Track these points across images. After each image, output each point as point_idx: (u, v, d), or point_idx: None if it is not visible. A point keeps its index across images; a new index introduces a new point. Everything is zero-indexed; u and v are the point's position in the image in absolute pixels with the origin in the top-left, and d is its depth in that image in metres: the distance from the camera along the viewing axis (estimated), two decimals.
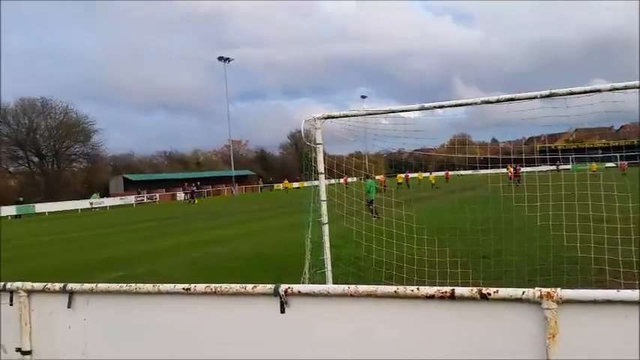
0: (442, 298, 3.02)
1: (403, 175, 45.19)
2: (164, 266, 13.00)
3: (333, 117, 7.67)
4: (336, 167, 8.50)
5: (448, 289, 3.02)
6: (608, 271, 7.21)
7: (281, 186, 74.10)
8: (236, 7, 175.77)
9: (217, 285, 3.57)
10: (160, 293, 3.74)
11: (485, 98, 6.83)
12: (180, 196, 71.06)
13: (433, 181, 46.07)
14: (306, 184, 23.16)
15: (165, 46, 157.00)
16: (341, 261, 8.48)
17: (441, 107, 6.97)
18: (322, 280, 7.24)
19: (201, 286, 3.62)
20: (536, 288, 2.90)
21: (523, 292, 2.89)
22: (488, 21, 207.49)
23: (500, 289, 2.96)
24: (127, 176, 78.51)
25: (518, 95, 6.69)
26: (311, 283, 7.02)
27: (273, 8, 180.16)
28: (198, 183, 79.37)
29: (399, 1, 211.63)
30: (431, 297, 3.03)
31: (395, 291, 3.10)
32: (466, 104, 7.02)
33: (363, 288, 3.19)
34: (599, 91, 6.42)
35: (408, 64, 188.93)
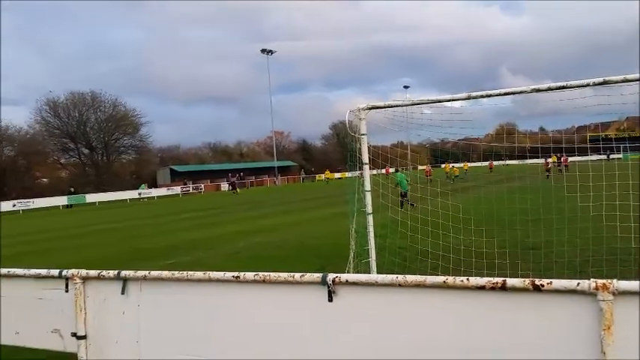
0: (493, 289, 2.97)
1: (451, 165, 44.30)
2: (211, 255, 13.27)
3: (377, 107, 7.61)
4: (380, 157, 8.45)
5: (499, 279, 2.97)
6: None
7: (322, 176, 74.29)
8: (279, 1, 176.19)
9: (266, 273, 3.63)
10: (210, 280, 3.83)
11: (536, 86, 6.62)
12: (225, 186, 72.27)
13: (457, 173, 44.07)
14: (348, 174, 23.12)
15: (210, 39, 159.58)
16: (385, 251, 8.44)
17: (488, 96, 6.80)
18: (367, 270, 7.24)
19: (250, 275, 3.68)
20: (591, 279, 2.82)
21: (578, 284, 2.82)
22: (536, 8, 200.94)
23: (553, 281, 2.89)
24: (173, 167, 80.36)
25: (570, 83, 6.46)
26: (356, 273, 7.03)
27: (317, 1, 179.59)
28: (242, 174, 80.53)
29: None
30: (481, 288, 2.99)
31: (444, 281, 3.08)
32: (515, 93, 6.80)
33: (411, 278, 3.17)
34: None
35: (451, 53, 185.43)
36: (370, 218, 7.49)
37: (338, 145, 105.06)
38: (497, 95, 6.77)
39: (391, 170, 22.29)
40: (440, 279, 3.12)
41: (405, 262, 8.26)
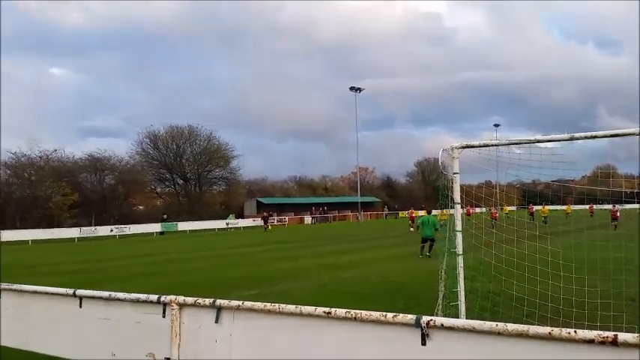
0: (603, 343, 2.78)
1: (538, 207, 42.03)
2: (296, 287, 13.39)
3: (471, 146, 7.47)
4: (474, 197, 8.24)
5: (610, 334, 2.78)
6: None
7: (406, 214, 73.26)
8: (369, 38, 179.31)
9: (357, 311, 3.61)
10: (301, 315, 3.86)
11: (616, 132, 6.22)
12: (308, 219, 73.16)
13: (546, 214, 41.20)
14: (434, 212, 22.56)
15: (300, 76, 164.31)
16: (475, 294, 8.11)
17: (593, 137, 6.47)
18: (455, 313, 6.99)
19: (341, 311, 3.68)
20: None
21: None
22: (635, 46, 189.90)
23: None
24: (260, 199, 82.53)
25: None
26: (444, 316, 6.80)
27: (406, 38, 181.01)
28: (325, 208, 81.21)
29: (535, 29, 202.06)
30: (590, 341, 2.81)
31: (549, 332, 2.92)
32: (621, 135, 6.40)
33: (512, 327, 3.04)
34: None
35: (543, 92, 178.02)
36: (460, 259, 7.28)
37: (422, 183, 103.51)
38: (603, 137, 6.42)
39: (477, 210, 21.04)
40: (545, 330, 2.96)
41: (496, 307, 7.89)
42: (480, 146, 7.46)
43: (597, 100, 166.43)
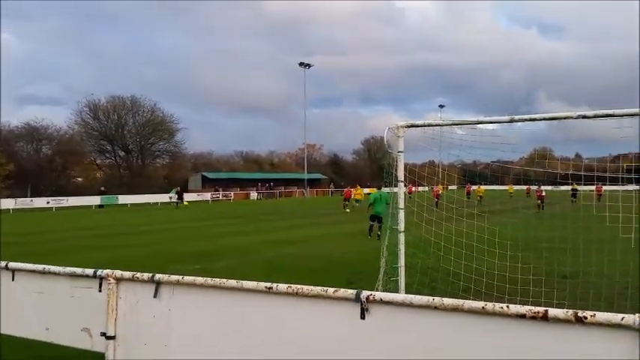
0: (534, 318, 2.89)
1: (475, 187, 43.39)
2: (240, 263, 13.34)
3: (416, 125, 7.58)
4: (417, 176, 8.39)
5: (541, 309, 2.88)
6: None
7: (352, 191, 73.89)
8: (320, 14, 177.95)
9: (299, 286, 3.61)
10: (243, 289, 3.83)
11: (582, 113, 6.47)
12: (254, 195, 72.78)
13: (482, 193, 43.24)
14: (377, 190, 22.89)
15: (249, 50, 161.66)
16: (415, 270, 8.33)
17: (532, 120, 6.68)
18: (395, 288, 7.15)
19: (283, 286, 3.67)
20: (637, 314, 2.72)
21: (622, 318, 2.72)
22: (576, 33, 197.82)
23: (597, 313, 2.80)
24: (205, 174, 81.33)
25: (616, 111, 6.30)
26: (384, 291, 6.95)
27: (357, 16, 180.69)
28: (271, 184, 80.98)
29: (483, 13, 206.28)
30: (522, 316, 2.91)
31: (483, 307, 3.00)
32: (559, 118, 6.67)
33: (448, 301, 3.11)
34: None
35: (488, 75, 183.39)
36: (402, 236, 7.42)
37: (369, 161, 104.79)
38: (541, 119, 6.65)
39: (414, 189, 20.46)
40: (478, 304, 3.04)
41: (434, 282, 8.13)
42: (424, 125, 7.58)
43: (538, 85, 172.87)
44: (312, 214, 34.59)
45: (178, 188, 55.56)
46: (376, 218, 18.40)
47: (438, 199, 21.49)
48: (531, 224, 13.23)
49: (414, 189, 21.93)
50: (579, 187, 29.47)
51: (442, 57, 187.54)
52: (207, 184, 78.30)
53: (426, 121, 7.76)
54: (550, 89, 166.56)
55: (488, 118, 7.27)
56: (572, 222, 11.73)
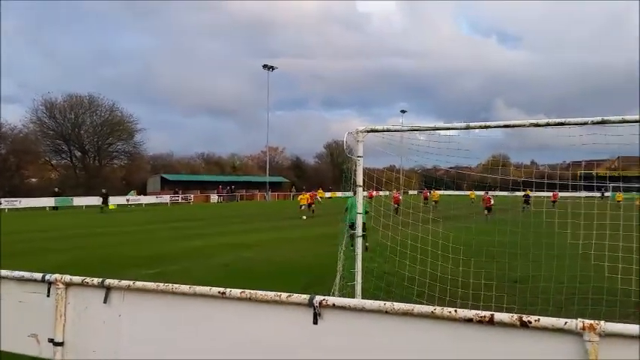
0: (481, 322, 2.96)
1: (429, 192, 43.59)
2: (197, 267, 13.16)
3: (375, 131, 7.65)
4: (375, 181, 8.48)
5: (487, 313, 2.96)
6: None
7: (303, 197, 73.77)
8: (285, 17, 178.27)
9: (252, 291, 3.59)
10: (195, 295, 3.78)
11: (534, 121, 6.69)
12: (214, 198, 72.01)
13: (437, 198, 42.15)
14: (339, 194, 22.95)
15: (212, 51, 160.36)
16: (371, 274, 8.40)
17: (486, 127, 6.86)
18: (352, 293, 7.19)
19: (236, 291, 3.64)
20: (579, 319, 2.82)
21: (565, 323, 2.82)
22: (534, 43, 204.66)
23: (541, 318, 2.89)
24: (164, 176, 79.93)
25: (568, 120, 6.54)
26: (341, 295, 6.99)
27: (321, 20, 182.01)
28: (233, 187, 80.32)
29: (445, 21, 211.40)
30: (469, 320, 2.98)
31: (432, 311, 3.06)
32: (513, 126, 6.87)
33: (399, 306, 3.16)
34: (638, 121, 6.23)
35: (449, 82, 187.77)
36: (359, 241, 7.48)
37: (331, 165, 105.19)
38: (495, 127, 6.83)
39: (374, 193, 18.98)
40: (428, 309, 3.10)
41: (390, 287, 8.22)
42: (383, 131, 7.66)
43: (497, 92, 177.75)
44: (272, 218, 34.47)
45: (134, 191, 54.34)
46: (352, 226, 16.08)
47: (398, 205, 21.31)
48: (485, 229, 13.49)
49: (374, 194, 22.10)
50: (533, 194, 30.31)
51: (405, 62, 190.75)
52: (167, 186, 77.02)
53: (385, 127, 7.84)
54: (508, 97, 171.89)
55: (443, 125, 7.42)
56: (523, 228, 12.06)
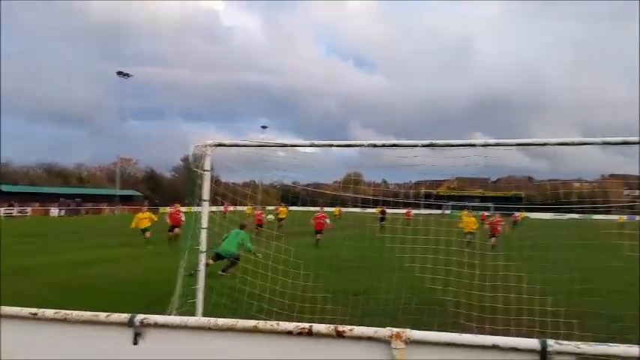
0: (300, 334, 3.07)
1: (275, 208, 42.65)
2: (29, 285, 11.94)
3: (224, 145, 7.63)
4: (232, 194, 8.42)
5: (307, 325, 3.08)
6: (468, 314, 7.73)
7: (167, 209, 71.09)
8: (146, 26, 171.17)
9: (68, 312, 3.36)
10: (4, 316, 3.43)
11: (372, 142, 7.17)
12: (54, 212, 66.25)
13: (283, 216, 39.40)
14: (193, 209, 22.18)
15: (62, 54, 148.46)
16: (214, 291, 8.28)
17: (330, 146, 7.25)
18: (192, 311, 7.02)
19: (49, 312, 3.38)
20: (388, 328, 3.05)
21: (375, 332, 3.03)
22: (388, 69, 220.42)
23: (355, 328, 3.07)
24: None
25: (400, 142, 7.12)
26: (179, 314, 6.78)
27: (184, 30, 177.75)
28: (79, 199, 74.60)
29: (307, 43, 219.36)
30: (289, 333, 3.07)
31: (255, 326, 3.11)
32: (355, 145, 7.35)
33: (222, 321, 3.16)
34: (473, 145, 6.94)
35: (309, 100, 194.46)
36: (203, 257, 7.36)
37: (188, 178, 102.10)
38: (338, 146, 7.30)
39: (230, 208, 15.55)
40: (251, 323, 3.14)
41: (233, 303, 8.16)
42: (232, 145, 7.68)
43: (353, 113, 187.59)
44: (119, 233, 32.45)
45: None
46: (219, 256, 13.82)
47: (260, 225, 20.62)
48: (331, 244, 14.15)
49: (230, 208, 21.49)
50: (389, 210, 31.81)
51: (267, 78, 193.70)
52: (2, 197, 69.24)
53: (234, 141, 7.86)
54: (364, 118, 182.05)
55: (291, 142, 7.64)
56: (370, 243, 12.78)
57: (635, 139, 6.19)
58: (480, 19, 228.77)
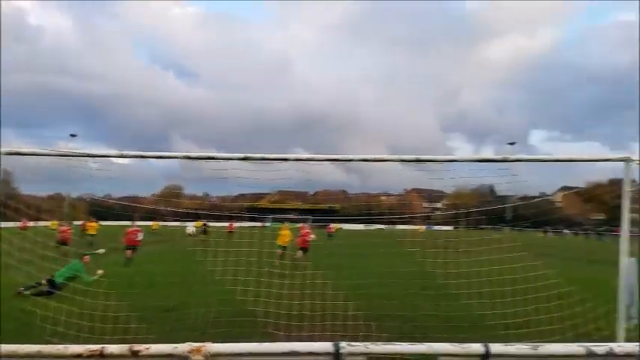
0: (91, 356, 2.97)
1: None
2: None
3: (20, 153, 6.92)
4: (33, 209, 7.59)
5: (98, 347, 3.00)
6: (276, 322, 8.00)
7: None
8: None
9: None
10: None
11: (187, 154, 7.13)
12: None
13: (93, 232, 33.69)
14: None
15: None
16: (1, 317, 7.38)
17: (142, 157, 7.03)
18: None
19: None
20: (187, 343, 3.11)
21: (175, 348, 3.07)
22: (210, 81, 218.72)
23: (152, 346, 3.07)
24: None
25: (215, 155, 7.19)
26: None
27: None
28: None
29: (125, 49, 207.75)
30: (79, 356, 2.96)
31: (39, 350, 2.95)
32: (168, 157, 7.20)
33: (5, 348, 2.94)
34: (286, 159, 7.20)
35: (125, 109, 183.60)
36: None
37: None
38: (157, 157, 7.13)
39: (30, 223, 14.67)
40: (36, 348, 2.99)
41: (24, 327, 7.35)
42: (29, 154, 7.07)
43: (173, 124, 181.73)
44: None
45: None
46: (52, 284, 10.78)
47: (65, 242, 18.41)
48: (145, 260, 13.51)
49: (30, 224, 18.78)
50: (211, 224, 31.09)
51: (78, 84, 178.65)
52: None
53: (32, 149, 7.19)
54: (184, 129, 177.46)
55: (99, 152, 7.28)
56: (183, 257, 12.51)
57: (428, 157, 7.07)
58: (302, 42, 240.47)
